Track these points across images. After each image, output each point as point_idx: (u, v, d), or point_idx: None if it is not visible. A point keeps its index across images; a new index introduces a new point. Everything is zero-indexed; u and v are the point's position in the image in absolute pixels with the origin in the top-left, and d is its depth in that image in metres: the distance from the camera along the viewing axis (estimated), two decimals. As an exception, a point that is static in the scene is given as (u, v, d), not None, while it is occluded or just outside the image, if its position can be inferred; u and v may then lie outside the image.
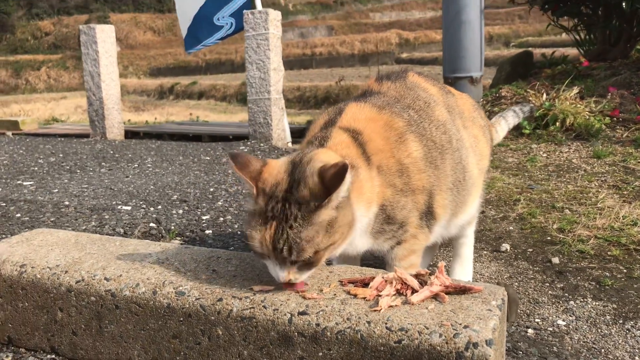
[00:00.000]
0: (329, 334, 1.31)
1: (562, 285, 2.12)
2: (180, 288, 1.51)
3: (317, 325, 1.32)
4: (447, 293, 1.39)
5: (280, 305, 1.39)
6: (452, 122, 1.82)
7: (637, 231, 2.52)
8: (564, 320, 1.85)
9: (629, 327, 1.79)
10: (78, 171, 4.63)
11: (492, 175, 3.65)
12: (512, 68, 6.86)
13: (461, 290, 1.40)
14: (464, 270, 2.11)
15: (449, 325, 1.24)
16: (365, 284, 1.46)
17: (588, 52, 6.63)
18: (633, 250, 2.36)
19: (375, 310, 1.32)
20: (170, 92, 27.07)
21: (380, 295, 1.38)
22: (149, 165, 4.81)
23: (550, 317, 1.88)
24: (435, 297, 1.38)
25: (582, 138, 4.17)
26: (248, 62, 5.81)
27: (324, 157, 1.42)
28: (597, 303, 1.96)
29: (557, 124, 4.28)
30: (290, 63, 27.03)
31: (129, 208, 3.30)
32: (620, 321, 1.83)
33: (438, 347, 1.22)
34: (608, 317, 1.87)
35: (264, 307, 1.39)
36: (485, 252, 2.48)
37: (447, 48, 5.49)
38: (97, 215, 2.86)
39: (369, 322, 1.29)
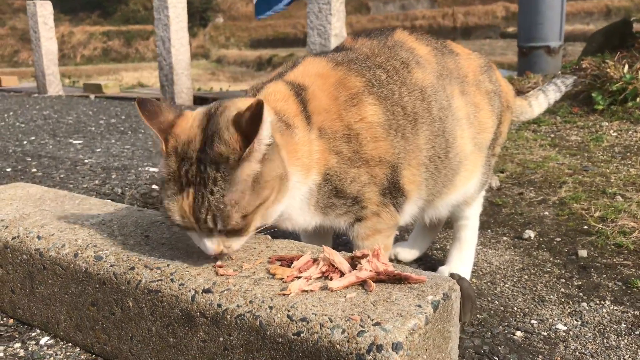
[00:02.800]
0: (229, 317, 1.13)
1: (580, 283, 1.79)
2: (100, 252, 1.38)
3: (219, 306, 1.14)
4: (380, 281, 1.16)
5: (188, 280, 1.22)
6: (441, 88, 1.54)
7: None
8: (565, 325, 1.55)
9: (647, 340, 1.46)
10: (129, 132, 4.69)
11: (546, 154, 3.24)
12: (605, 39, 6.16)
13: (397, 279, 1.16)
14: (462, 256, 1.83)
15: (358, 319, 1.02)
16: (292, 262, 1.25)
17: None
18: (686, 248, 1.96)
19: (282, 295, 1.12)
20: (268, 64, 27.44)
21: (299, 277, 1.18)
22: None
23: (551, 320, 1.58)
24: (362, 284, 1.15)
25: (665, 117, 3.63)
26: (309, 28, 5.61)
27: (241, 104, 1.21)
28: (615, 307, 1.63)
29: (638, 99, 3.74)
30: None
31: (155, 170, 3.27)
32: (638, 332, 1.50)
33: (338, 346, 1.00)
34: (624, 325, 1.54)
35: (171, 280, 1.23)
36: (505, 238, 2.17)
37: (523, 14, 4.98)
38: (106, 174, 2.83)
39: (270, 308, 1.09)
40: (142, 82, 12.11)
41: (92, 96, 8.46)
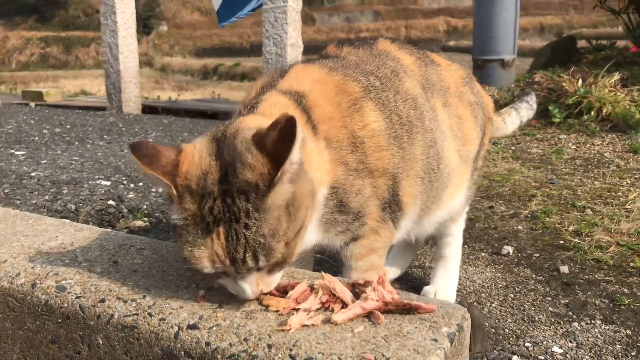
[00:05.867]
0: (219, 357, 0.99)
1: (567, 300, 1.74)
2: (63, 282, 1.21)
3: (207, 344, 1.01)
4: (387, 312, 1.06)
5: (170, 314, 1.08)
6: (427, 100, 1.47)
7: (670, 240, 2.11)
8: (561, 347, 1.49)
9: (644, 361, 1.42)
10: (76, 143, 4.43)
11: (510, 167, 3.24)
12: (553, 54, 6.35)
13: (406, 309, 1.06)
14: (447, 275, 1.76)
15: (371, 359, 0.91)
16: (286, 291, 1.13)
17: (638, 38, 6.05)
18: (662, 262, 1.96)
19: (282, 330, 1.00)
20: (214, 73, 27.05)
21: (297, 309, 1.06)
22: (151, 140, 4.56)
23: (545, 342, 1.51)
24: (368, 315, 1.05)
25: (619, 130, 3.70)
26: (265, 37, 5.50)
27: (252, 122, 1.10)
28: (606, 327, 1.59)
29: (592, 113, 3.82)
30: (333, 47, 26.58)
31: (108, 183, 3.07)
32: (633, 353, 1.46)
33: (352, 390, 0.89)
34: (618, 346, 1.49)
35: (150, 314, 1.09)
36: (483, 254, 2.12)
37: (478, 27, 5.04)
38: (56, 189, 2.62)
39: (269, 347, 0.97)
40: (85, 90, 11.63)
41: (32, 104, 8.03)
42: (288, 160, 1.00)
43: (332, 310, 1.06)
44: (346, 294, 1.08)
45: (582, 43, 6.83)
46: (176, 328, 1.05)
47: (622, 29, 6.71)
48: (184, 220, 1.04)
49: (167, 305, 1.10)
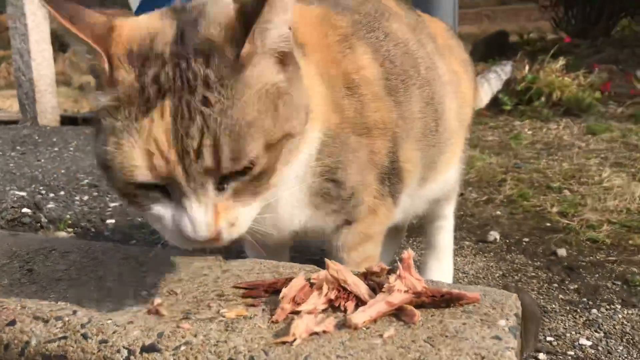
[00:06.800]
0: (194, 389, 0.68)
1: (576, 286, 1.53)
2: (-46, 302, 0.86)
3: (174, 372, 0.69)
4: (420, 305, 0.78)
5: (114, 333, 0.75)
6: (420, 43, 1.21)
7: (660, 214, 1.96)
8: (588, 339, 1.26)
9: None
10: (-19, 154, 3.90)
11: (469, 154, 3.06)
12: (487, 49, 6.34)
13: (444, 300, 0.78)
14: (441, 265, 1.51)
15: (423, 373, 0.63)
16: (276, 289, 0.83)
17: (567, 31, 6.16)
18: (660, 238, 1.79)
19: (282, 343, 0.70)
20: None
21: (297, 313, 0.76)
22: (71, 149, 4.12)
23: (569, 334, 1.28)
24: (397, 312, 0.76)
25: (572, 114, 3.62)
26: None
27: None
28: (630, 312, 1.38)
29: (542, 98, 3.72)
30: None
31: (22, 194, 2.63)
32: (670, 338, 1.25)
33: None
34: (650, 331, 1.28)
35: (84, 336, 0.75)
36: (467, 242, 1.88)
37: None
38: (-42, 199, 2.18)
39: (268, 368, 0.66)
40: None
41: None
42: (277, 21, 0.73)
43: (345, 310, 0.77)
44: (361, 287, 0.79)
45: (513, 38, 6.92)
46: (125, 353, 0.72)
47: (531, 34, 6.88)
48: (113, 101, 0.71)
49: (110, 322, 0.77)
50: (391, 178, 1.05)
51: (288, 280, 0.83)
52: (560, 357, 1.20)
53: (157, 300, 0.81)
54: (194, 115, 0.68)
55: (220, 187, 0.71)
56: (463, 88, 1.35)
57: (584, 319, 1.35)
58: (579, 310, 1.40)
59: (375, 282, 0.82)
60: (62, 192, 2.66)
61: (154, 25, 0.75)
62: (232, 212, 0.72)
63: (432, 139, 1.18)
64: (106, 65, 0.72)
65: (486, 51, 6.34)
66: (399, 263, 0.79)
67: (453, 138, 1.29)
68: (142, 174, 0.69)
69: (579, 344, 1.24)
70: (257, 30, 0.72)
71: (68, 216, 2.27)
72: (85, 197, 2.58)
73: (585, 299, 1.45)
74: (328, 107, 0.91)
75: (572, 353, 1.21)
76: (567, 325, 1.33)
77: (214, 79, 0.69)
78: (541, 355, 1.20)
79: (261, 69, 0.73)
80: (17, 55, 6.04)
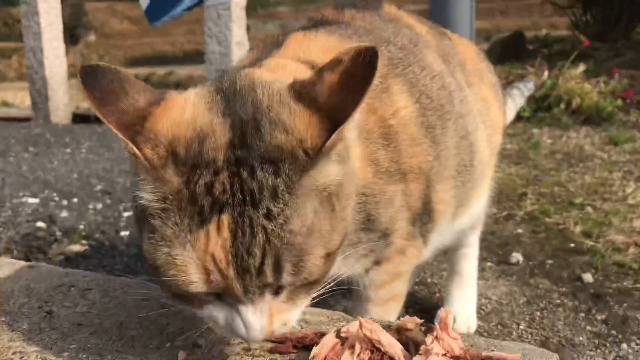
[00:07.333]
0: None
1: (603, 316, 1.48)
2: (-32, 350, 0.83)
3: None
4: (457, 368, 0.74)
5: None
6: (453, 75, 1.17)
7: (688, 237, 1.90)
8: (620, 378, 1.22)
9: None
10: (-5, 155, 3.90)
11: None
12: (503, 50, 6.27)
13: (482, 364, 0.74)
14: (464, 293, 1.46)
15: None
16: (304, 345, 0.79)
17: (586, 34, 6.06)
18: (689, 263, 1.74)
19: (315, 413, 0.66)
20: (146, 82, 26.10)
21: (328, 376, 0.72)
22: (83, 150, 4.10)
23: (599, 372, 1.24)
24: (433, 378, 0.72)
25: (592, 122, 3.56)
26: (207, 36, 5.11)
27: (269, 75, 0.77)
28: (662, 347, 1.33)
29: (562, 105, 3.66)
30: (268, 52, 26.47)
31: (35, 201, 2.62)
32: None
33: None
34: (685, 371, 1.24)
35: (106, 397, 0.72)
36: (489, 263, 1.84)
37: (433, 20, 4.83)
38: (-29, 210, 2.17)
39: None
40: (6, 102, 10.77)
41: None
42: (350, 119, 0.67)
43: (378, 373, 0.73)
44: (396, 348, 0.75)
45: (527, 34, 6.85)
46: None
47: (546, 31, 6.79)
48: (159, 202, 0.66)
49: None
50: (422, 218, 1.01)
51: (317, 334, 0.79)
52: (592, 399, 1.16)
53: (182, 355, 0.77)
54: (256, 232, 0.63)
55: (279, 289, 0.68)
56: (492, 115, 1.30)
57: (614, 355, 1.31)
58: (607, 344, 1.35)
59: (409, 338, 0.78)
60: (75, 200, 2.64)
61: (202, 122, 0.68)
62: (286, 314, 0.70)
63: (467, 175, 1.14)
64: (140, 155, 0.66)
65: (502, 53, 6.27)
66: (435, 322, 0.75)
67: (485, 170, 1.25)
68: (197, 287, 0.65)
69: (611, 384, 1.20)
70: (340, 131, 0.66)
71: (82, 227, 2.25)
72: (99, 205, 2.56)
73: (614, 332, 1.40)
74: (363, 162, 0.87)
75: (604, 395, 1.17)
76: (597, 362, 1.29)
77: (283, 189, 0.65)
78: (572, 397, 1.16)
79: (327, 168, 0.68)
80: (30, 53, 6.04)
